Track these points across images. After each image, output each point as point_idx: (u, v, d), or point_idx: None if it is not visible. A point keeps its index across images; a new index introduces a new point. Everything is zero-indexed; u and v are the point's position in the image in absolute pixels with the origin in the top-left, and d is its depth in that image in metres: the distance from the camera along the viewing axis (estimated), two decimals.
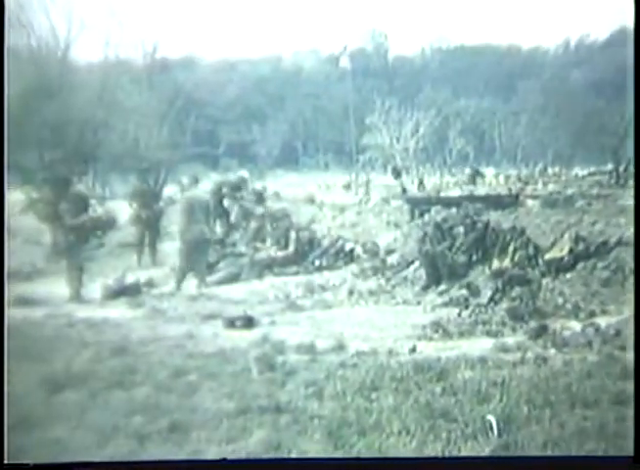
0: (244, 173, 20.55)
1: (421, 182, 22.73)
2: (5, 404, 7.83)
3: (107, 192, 22.99)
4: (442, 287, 15.01)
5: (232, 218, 19.13)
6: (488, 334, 12.07)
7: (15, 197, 20.89)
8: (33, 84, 21.25)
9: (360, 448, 7.29)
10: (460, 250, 15.64)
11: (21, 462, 7.15)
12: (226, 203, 19.34)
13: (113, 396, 8.75)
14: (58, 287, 15.39)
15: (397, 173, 22.99)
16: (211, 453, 7.21)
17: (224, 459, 7.08)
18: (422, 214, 18.99)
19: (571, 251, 14.93)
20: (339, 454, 7.19)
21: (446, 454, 7.27)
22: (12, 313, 13.18)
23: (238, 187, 19.93)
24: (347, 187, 23.87)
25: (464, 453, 7.32)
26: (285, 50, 27.35)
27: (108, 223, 16.40)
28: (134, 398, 8.64)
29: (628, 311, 9.98)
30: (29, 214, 19.32)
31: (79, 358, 10.11)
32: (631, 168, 15.57)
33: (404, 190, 22.07)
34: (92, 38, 21.90)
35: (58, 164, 19.03)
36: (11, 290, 14.97)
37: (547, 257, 14.96)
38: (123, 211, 18.50)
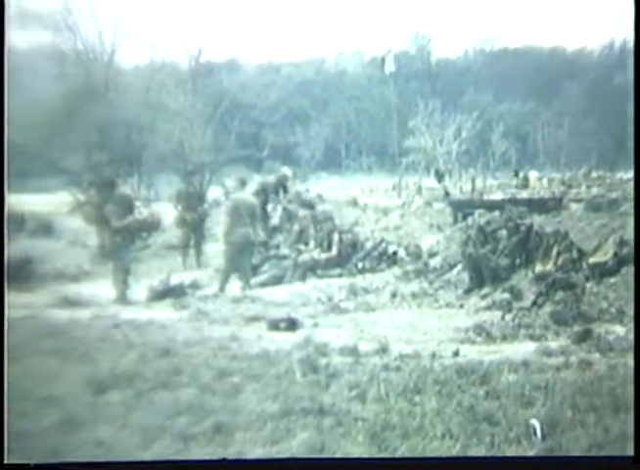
0: (286, 171, 20.58)
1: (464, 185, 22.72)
2: (5, 404, 7.89)
3: (152, 194, 23.19)
4: (485, 290, 14.95)
5: (275, 221, 19.22)
6: (532, 338, 11.98)
7: (61, 199, 21.18)
8: (80, 87, 21.52)
9: (403, 451, 7.28)
10: (503, 253, 15.58)
11: (21, 462, 7.17)
12: (270, 204, 19.42)
13: (158, 396, 8.74)
14: (103, 288, 15.54)
15: (440, 176, 23.00)
16: (255, 455, 7.22)
17: (224, 459, 7.09)
18: (465, 217, 18.95)
19: (615, 255, 14.81)
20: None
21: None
22: (57, 314, 13.43)
23: (281, 185, 20.01)
24: (390, 190, 23.90)
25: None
26: (328, 52, 27.45)
27: (153, 225, 16.51)
28: (179, 398, 8.63)
29: None
30: (75, 216, 19.54)
31: (125, 359, 10.12)
32: None
33: (447, 193, 22.06)
34: (138, 42, 22.12)
35: (104, 166, 19.22)
36: (57, 291, 15.26)
37: (591, 260, 14.84)
38: (168, 213, 18.63)
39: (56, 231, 20.71)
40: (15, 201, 20.18)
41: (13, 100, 20.42)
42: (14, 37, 21.70)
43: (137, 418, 8.09)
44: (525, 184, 22.37)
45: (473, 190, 22.42)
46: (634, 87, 8.87)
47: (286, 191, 20.03)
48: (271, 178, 20.40)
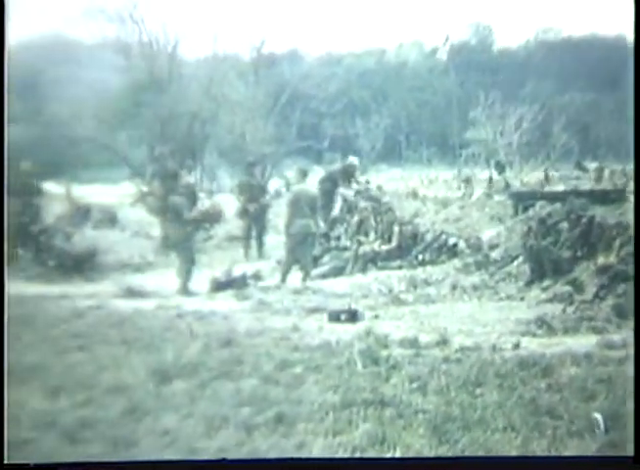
0: (353, 160, 20.58)
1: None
2: (5, 404, 7.89)
3: (214, 185, 23.37)
4: (547, 282, 14.85)
5: (336, 212, 19.25)
6: (594, 330, 11.89)
7: (125, 190, 21.46)
8: (144, 79, 21.78)
9: (465, 444, 7.29)
10: (565, 245, 15.47)
11: (21, 462, 7.19)
12: (332, 195, 19.46)
13: (221, 386, 8.83)
14: (167, 279, 15.73)
15: (501, 168, 22.88)
16: (318, 446, 7.26)
17: (224, 459, 7.11)
18: (526, 209, 18.79)
19: None
20: (443, 450, 7.19)
21: (552, 452, 7.24)
22: (122, 304, 13.63)
23: (348, 174, 20.03)
24: (451, 181, 23.84)
25: (570, 451, 7.31)
26: (389, 43, 27.39)
27: (215, 217, 16.67)
28: (242, 389, 8.71)
29: None
30: (139, 207, 19.78)
31: (188, 349, 10.23)
32: None
33: (508, 184, 21.94)
34: (201, 33, 22.31)
35: (167, 158, 19.41)
36: (121, 281, 15.47)
37: None
38: (230, 204, 18.76)
39: (120, 222, 20.98)
40: (80, 192, 20.59)
41: (80, 93, 20.84)
42: (80, 32, 22.17)
43: (201, 408, 8.17)
44: (599, 176, 22.08)
45: (533, 182, 22.27)
46: (634, 86, 8.80)
47: (352, 181, 20.04)
48: (337, 167, 20.40)
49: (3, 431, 7.48)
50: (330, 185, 19.20)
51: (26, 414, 7.93)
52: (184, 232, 15.81)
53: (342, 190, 19.64)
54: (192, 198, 16.23)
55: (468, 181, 23.07)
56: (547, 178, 22.53)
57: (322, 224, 17.41)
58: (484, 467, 7.20)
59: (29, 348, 10.23)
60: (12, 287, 13.98)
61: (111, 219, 20.82)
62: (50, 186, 18.54)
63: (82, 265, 16.74)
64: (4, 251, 9.27)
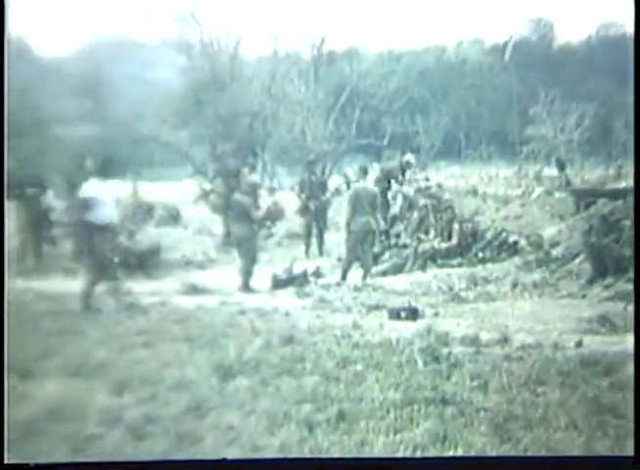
0: (409, 157, 20.57)
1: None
2: (5, 404, 7.95)
3: (275, 183, 23.51)
4: (608, 280, 14.72)
5: (396, 210, 19.27)
6: None
7: (187, 188, 21.68)
8: (206, 78, 21.97)
9: (527, 443, 7.29)
10: (627, 243, 15.34)
11: (21, 462, 7.20)
12: (390, 191, 19.48)
13: (283, 383, 8.88)
14: (229, 276, 15.87)
15: (561, 165, 22.67)
16: (379, 443, 7.29)
17: (224, 459, 7.11)
18: (587, 207, 18.63)
19: None
20: (505, 448, 7.19)
21: (615, 451, 7.22)
22: (185, 301, 13.79)
23: (403, 171, 20.04)
24: (511, 179, 23.69)
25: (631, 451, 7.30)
26: (449, 40, 27.31)
27: (277, 214, 16.79)
28: (303, 386, 8.75)
29: None
30: (201, 205, 20.00)
31: (250, 346, 10.30)
32: None
33: (568, 182, 21.76)
34: (261, 32, 22.45)
35: (229, 156, 19.57)
36: (184, 279, 15.64)
37: None
38: (291, 201, 18.84)
39: (183, 220, 21.20)
40: (144, 190, 20.83)
41: (143, 92, 21.07)
42: (143, 32, 22.42)
43: (263, 405, 8.22)
44: None
45: (594, 179, 22.05)
46: (634, 84, 8.72)
47: (405, 177, 20.04)
48: (394, 164, 20.43)
49: (3, 431, 7.53)
50: (386, 182, 19.24)
51: (93, 410, 8.02)
52: (246, 230, 15.93)
53: (402, 188, 19.66)
54: (254, 196, 16.35)
55: (528, 178, 22.92)
56: (609, 175, 22.29)
57: (382, 222, 17.42)
58: (486, 467, 7.21)
59: (95, 344, 10.39)
60: (78, 284, 14.30)
61: (174, 217, 21.06)
62: (115, 184, 18.81)
63: (146, 263, 16.97)
64: (4, 250, 9.33)
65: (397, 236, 18.59)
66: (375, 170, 19.67)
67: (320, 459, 7.15)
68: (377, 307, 13.44)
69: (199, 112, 22.02)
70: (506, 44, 24.86)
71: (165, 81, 21.94)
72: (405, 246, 18.05)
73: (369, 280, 15.99)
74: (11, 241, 17.45)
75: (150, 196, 20.87)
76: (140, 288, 14.92)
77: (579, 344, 10.77)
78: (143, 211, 20.32)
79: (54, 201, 18.16)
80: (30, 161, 18.08)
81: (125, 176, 19.92)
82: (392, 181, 19.53)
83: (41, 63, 20.18)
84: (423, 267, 17.09)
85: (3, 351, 8.35)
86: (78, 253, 13.71)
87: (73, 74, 19.69)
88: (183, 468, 7.14)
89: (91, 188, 13.14)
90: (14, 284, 14.99)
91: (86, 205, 13.04)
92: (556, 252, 16.89)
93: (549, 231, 18.21)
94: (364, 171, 17.07)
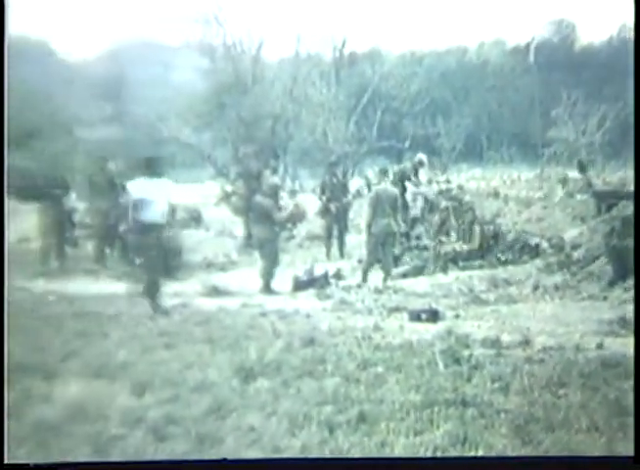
0: (422, 156, 20.54)
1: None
2: (5, 404, 7.97)
3: (296, 185, 23.57)
4: (629, 282, 14.70)
5: (417, 212, 19.28)
6: None
7: (209, 190, 21.76)
8: (228, 81, 22.07)
9: (548, 445, 7.30)
10: None
11: (21, 462, 7.23)
12: (410, 194, 19.48)
13: (304, 385, 8.89)
14: (250, 278, 15.91)
15: (583, 167, 22.60)
16: (400, 445, 7.31)
17: (224, 459, 7.14)
18: (609, 209, 18.57)
19: None
20: (526, 450, 7.19)
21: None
22: (207, 303, 13.84)
23: (416, 171, 20.02)
24: (532, 181, 23.65)
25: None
26: (470, 41, 27.28)
27: (299, 216, 16.82)
28: (324, 387, 8.76)
29: None
30: (223, 207, 20.06)
31: (272, 348, 10.31)
32: None
33: (590, 184, 21.69)
34: (283, 34, 22.51)
35: (251, 158, 19.63)
36: (206, 280, 15.70)
37: None
38: (312, 203, 18.88)
39: (204, 222, 21.26)
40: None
41: (165, 95, 21.15)
42: (166, 35, 22.55)
43: (284, 406, 8.23)
44: None
45: (616, 181, 21.97)
46: (634, 83, 8.69)
47: (418, 177, 20.02)
48: (407, 165, 20.44)
49: (3, 431, 7.55)
50: (400, 183, 19.23)
51: (115, 411, 8.06)
52: (267, 231, 15.96)
53: (419, 189, 19.67)
54: (275, 198, 16.38)
55: (550, 181, 22.87)
56: (630, 177, 22.19)
57: (403, 224, 17.43)
58: (486, 467, 7.21)
59: (117, 345, 10.44)
60: (101, 286, 14.39)
61: (195, 219, 21.11)
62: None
63: (168, 264, 17.03)
64: (4, 249, 9.36)
65: (418, 238, 18.59)
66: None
67: (322, 459, 7.20)
68: (397, 309, 13.43)
69: (221, 114, 22.13)
70: (528, 46, 24.81)
71: (188, 84, 22.03)
72: (426, 248, 18.05)
73: (390, 282, 15.99)
74: (33, 243, 17.65)
75: (172, 198, 20.93)
76: (162, 289, 15.01)
77: (600, 346, 10.74)
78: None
79: (76, 202, 18.24)
80: (54, 162, 18.21)
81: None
82: (404, 182, 19.50)
83: (65, 66, 20.33)
84: (444, 269, 17.08)
85: (3, 351, 8.40)
86: (134, 253, 13.69)
87: (97, 77, 19.82)
88: (184, 468, 7.16)
89: (138, 187, 13.11)
90: (36, 285, 15.22)
91: (136, 205, 13.04)
92: (577, 254, 16.85)
93: (570, 233, 18.17)
94: (384, 173, 17.07)
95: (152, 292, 13.17)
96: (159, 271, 13.30)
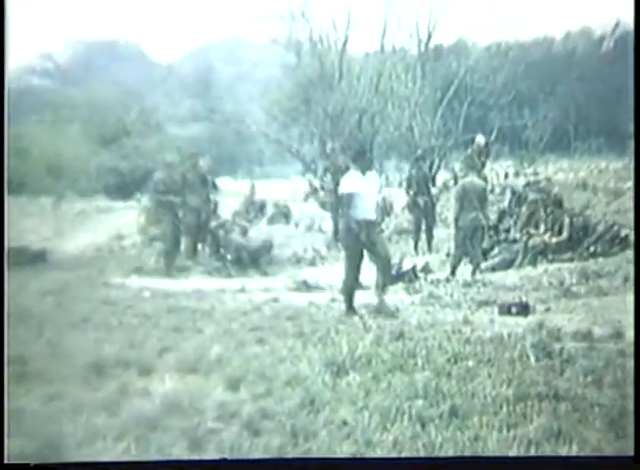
0: (480, 139, 20.36)
1: None
2: (5, 404, 7.94)
3: (383, 179, 23.62)
4: None
5: (505, 204, 19.17)
6: None
7: (297, 185, 21.92)
8: (314, 76, 22.21)
9: None
10: None
11: (21, 462, 7.16)
12: (498, 188, 19.37)
13: (394, 379, 8.86)
14: (338, 272, 15.96)
15: None
16: (493, 439, 7.28)
17: (224, 459, 7.10)
18: None
19: None
20: (619, 444, 7.16)
21: None
22: (297, 298, 13.96)
23: (480, 155, 19.87)
24: (621, 171, 23.32)
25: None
26: (556, 31, 27.00)
27: (386, 210, 16.85)
28: (415, 381, 8.70)
29: None
30: (311, 202, 20.19)
31: (362, 342, 10.31)
32: None
33: None
34: (368, 29, 22.58)
35: (338, 153, 19.71)
36: (296, 275, 15.81)
37: None
38: (399, 197, 18.89)
39: (293, 217, 21.39)
40: (257, 188, 21.16)
41: (253, 91, 21.36)
42: (253, 32, 22.79)
43: (376, 400, 8.21)
44: None
45: None
46: (634, 83, 8.51)
47: (481, 159, 19.85)
48: (468, 152, 20.28)
49: (3, 431, 7.53)
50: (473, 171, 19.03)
51: (210, 405, 8.14)
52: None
53: (510, 181, 19.55)
54: None
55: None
56: None
57: (491, 216, 17.35)
58: (486, 467, 7.17)
59: (211, 340, 10.58)
60: (192, 281, 14.59)
61: (284, 214, 21.28)
62: (226, 182, 19.11)
63: (258, 259, 17.23)
64: (4, 249, 9.45)
65: (507, 231, 18.45)
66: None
67: (322, 459, 7.20)
68: (487, 303, 13.39)
69: (308, 109, 22.28)
70: (614, 35, 24.49)
71: (275, 80, 22.23)
72: (515, 241, 17.92)
73: (478, 275, 15.96)
74: (127, 240, 17.96)
75: (260, 193, 21.12)
76: (253, 285, 15.17)
77: None
78: (255, 209, 20.64)
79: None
80: (145, 159, 18.52)
81: (237, 174, 20.30)
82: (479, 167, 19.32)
83: (155, 66, 20.64)
84: (533, 262, 16.95)
85: (3, 349, 8.45)
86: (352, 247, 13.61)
87: (186, 76, 20.10)
88: (184, 468, 7.17)
89: (351, 182, 12.98)
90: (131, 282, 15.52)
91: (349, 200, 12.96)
92: None
93: None
94: (471, 166, 17.00)
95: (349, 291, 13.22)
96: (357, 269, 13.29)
